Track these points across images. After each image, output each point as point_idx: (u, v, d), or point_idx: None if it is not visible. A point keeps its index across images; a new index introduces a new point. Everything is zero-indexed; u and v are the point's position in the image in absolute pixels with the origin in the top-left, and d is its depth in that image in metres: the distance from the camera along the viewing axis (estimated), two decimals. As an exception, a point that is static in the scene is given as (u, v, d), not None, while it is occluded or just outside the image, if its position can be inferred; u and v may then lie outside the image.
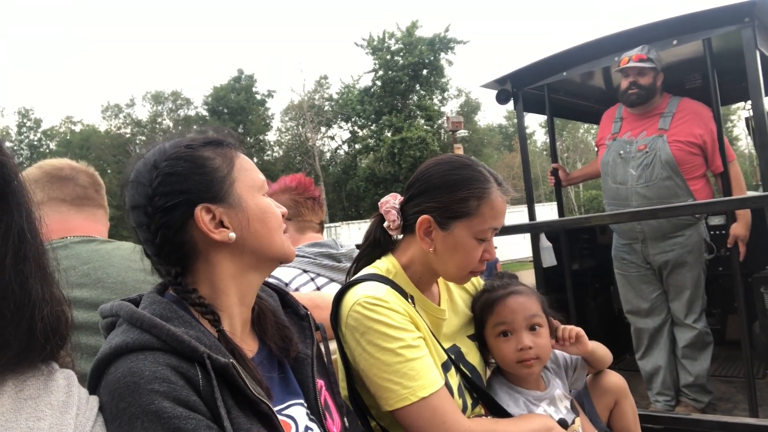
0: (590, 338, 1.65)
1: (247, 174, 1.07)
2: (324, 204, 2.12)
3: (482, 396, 1.43)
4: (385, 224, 1.41)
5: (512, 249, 21.53)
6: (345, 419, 1.16)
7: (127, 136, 41.73)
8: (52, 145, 43.41)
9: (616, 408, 1.75)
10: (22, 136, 43.74)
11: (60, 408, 0.78)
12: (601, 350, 1.63)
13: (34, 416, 0.74)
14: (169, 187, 0.99)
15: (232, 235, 1.01)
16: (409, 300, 1.36)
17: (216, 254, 1.02)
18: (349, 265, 1.88)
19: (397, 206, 1.41)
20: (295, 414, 1.04)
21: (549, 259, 3.53)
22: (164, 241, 0.99)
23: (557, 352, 1.61)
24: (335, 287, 1.81)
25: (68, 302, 0.85)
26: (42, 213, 0.81)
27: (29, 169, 1.50)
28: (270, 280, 1.51)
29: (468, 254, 1.36)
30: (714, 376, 3.62)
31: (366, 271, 1.41)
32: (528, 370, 1.46)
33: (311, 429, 1.05)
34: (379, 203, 1.43)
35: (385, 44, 35.72)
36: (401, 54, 35.46)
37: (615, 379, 1.70)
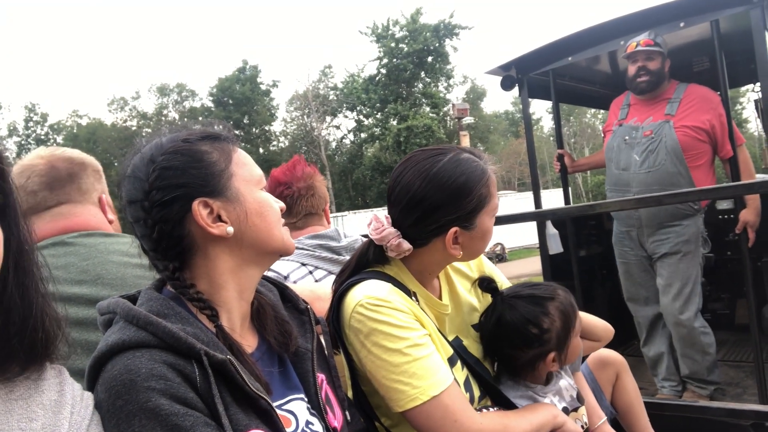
0: None
1: (244, 168, 1.06)
2: (321, 181, 2.00)
3: (488, 389, 1.41)
4: (392, 254, 1.33)
5: (519, 236, 21.48)
6: (347, 413, 1.15)
7: (134, 128, 41.83)
8: (59, 139, 43.61)
9: (618, 382, 1.79)
10: (29, 131, 43.97)
11: (52, 408, 0.77)
12: (587, 318, 1.63)
13: (26, 417, 0.74)
14: (166, 181, 0.98)
15: (230, 229, 1.00)
16: (413, 297, 1.34)
17: (214, 249, 1.01)
18: (348, 258, 1.86)
19: (396, 231, 1.32)
20: (295, 409, 1.04)
21: (555, 246, 3.51)
22: (161, 235, 0.98)
23: None
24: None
25: (64, 318, 0.84)
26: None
27: None
28: (268, 273, 1.50)
29: (491, 232, 1.37)
30: (722, 361, 3.60)
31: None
32: None
33: (312, 424, 1.04)
34: (374, 237, 1.33)
35: (390, 32, 35.50)
36: (406, 41, 35.25)
37: (613, 354, 1.73)
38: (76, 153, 1.56)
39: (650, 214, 3.23)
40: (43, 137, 43.71)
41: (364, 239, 1.46)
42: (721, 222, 3.83)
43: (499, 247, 20.98)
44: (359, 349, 1.25)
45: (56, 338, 0.82)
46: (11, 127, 43.71)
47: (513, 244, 22.48)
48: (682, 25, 3.16)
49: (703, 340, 3.19)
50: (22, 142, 43.17)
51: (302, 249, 1.82)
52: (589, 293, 4.12)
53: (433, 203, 1.29)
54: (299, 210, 1.92)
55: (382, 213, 1.38)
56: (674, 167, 3.18)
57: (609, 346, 1.87)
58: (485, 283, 1.51)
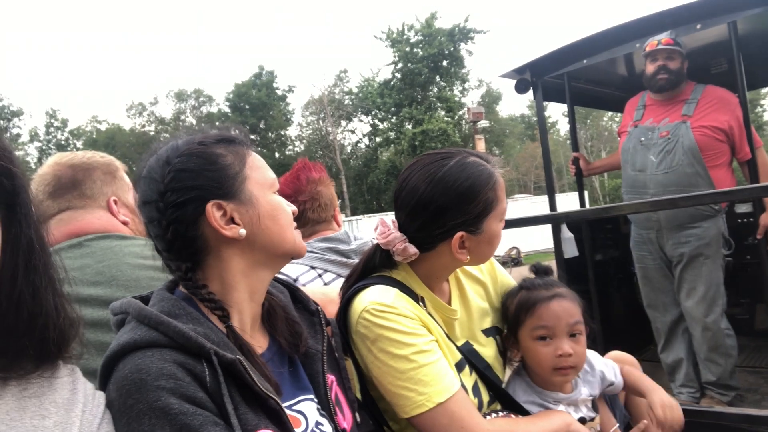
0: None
1: (258, 171, 1.08)
2: (328, 183, 1.99)
3: (498, 394, 1.40)
4: (399, 259, 1.33)
5: (534, 239, 21.32)
6: (356, 414, 1.16)
7: (152, 133, 42.44)
8: (79, 144, 44.36)
9: None
10: (50, 136, 44.80)
11: (65, 405, 0.79)
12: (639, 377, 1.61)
13: (39, 414, 0.75)
14: (181, 183, 1.00)
15: (243, 231, 1.01)
16: (420, 302, 1.33)
17: (227, 250, 1.02)
18: (358, 261, 1.86)
19: (402, 236, 1.31)
20: (305, 409, 1.04)
21: (571, 250, 3.48)
22: (175, 236, 1.00)
23: (594, 361, 1.54)
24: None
25: (79, 319, 0.86)
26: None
27: None
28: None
29: (499, 237, 1.35)
30: (741, 367, 3.54)
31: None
32: (563, 378, 1.42)
33: (321, 424, 1.04)
34: (380, 241, 1.33)
35: (405, 36, 35.54)
36: (421, 45, 35.27)
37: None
38: (84, 158, 1.56)
39: (669, 216, 3.19)
40: (63, 142, 44.48)
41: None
42: (740, 225, 3.77)
43: (514, 251, 20.83)
44: (366, 355, 1.25)
45: (71, 338, 0.83)
46: (33, 133, 44.62)
47: (529, 248, 22.32)
48: (699, 27, 3.13)
49: (728, 342, 3.16)
50: (43, 147, 44.01)
51: (311, 252, 1.83)
52: (605, 298, 4.08)
53: (438, 207, 1.28)
54: (305, 221, 1.92)
55: (390, 217, 1.37)
56: (692, 168, 3.14)
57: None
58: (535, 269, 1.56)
